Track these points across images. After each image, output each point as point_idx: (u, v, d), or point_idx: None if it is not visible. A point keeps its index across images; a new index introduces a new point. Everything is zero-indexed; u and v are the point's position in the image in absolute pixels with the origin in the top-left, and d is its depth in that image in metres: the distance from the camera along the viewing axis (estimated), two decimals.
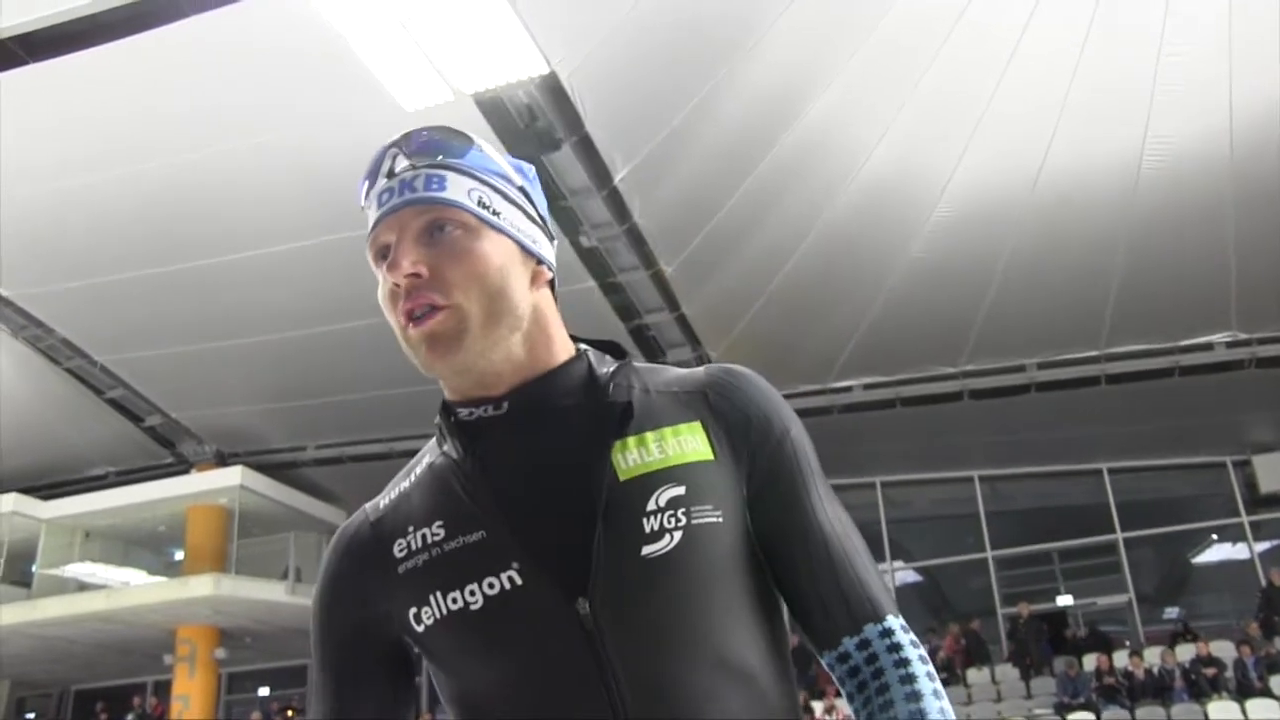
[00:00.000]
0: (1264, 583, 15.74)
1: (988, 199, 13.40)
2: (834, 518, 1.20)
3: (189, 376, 16.68)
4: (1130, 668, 14.31)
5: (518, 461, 1.17)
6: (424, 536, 1.17)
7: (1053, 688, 14.74)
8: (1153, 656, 14.60)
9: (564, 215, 13.13)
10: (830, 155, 12.88)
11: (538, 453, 1.17)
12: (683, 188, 12.86)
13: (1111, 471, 17.80)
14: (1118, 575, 17.60)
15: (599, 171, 12.55)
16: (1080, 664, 14.73)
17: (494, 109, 11.71)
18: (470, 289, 1.14)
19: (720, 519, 1.12)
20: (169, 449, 19.63)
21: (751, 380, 1.23)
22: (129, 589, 18.62)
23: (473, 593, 1.11)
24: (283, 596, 17.04)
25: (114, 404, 18.05)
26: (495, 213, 1.19)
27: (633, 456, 1.13)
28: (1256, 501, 17.25)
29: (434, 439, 1.28)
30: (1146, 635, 16.67)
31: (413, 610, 1.16)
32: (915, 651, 1.15)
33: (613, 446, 1.14)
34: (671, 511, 1.10)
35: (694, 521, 1.10)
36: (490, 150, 1.25)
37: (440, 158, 1.20)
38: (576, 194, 12.88)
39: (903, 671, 1.12)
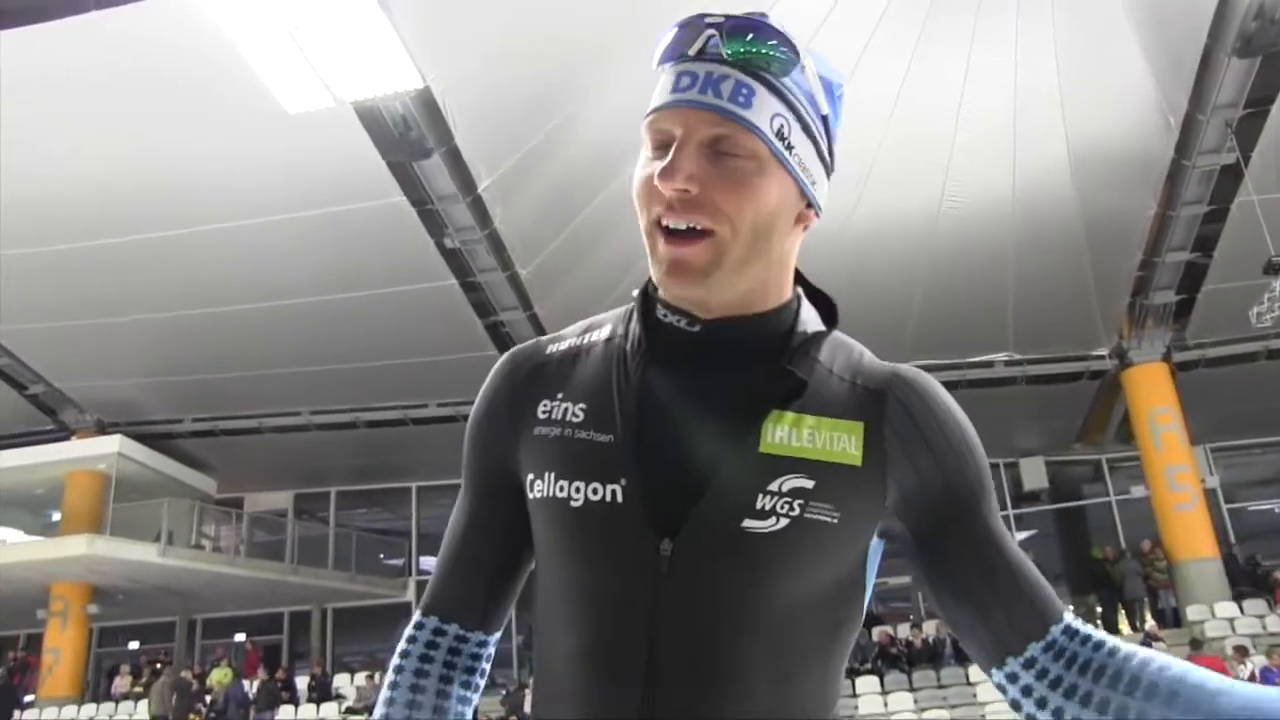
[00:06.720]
0: None
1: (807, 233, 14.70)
2: (1004, 530, 1.13)
3: (75, 350, 17.31)
4: (910, 638, 16.35)
5: (681, 386, 1.12)
6: (565, 411, 1.15)
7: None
8: (930, 629, 16.58)
9: (430, 218, 14.26)
10: None
11: (702, 387, 1.11)
12: (541, 199, 13.92)
13: None
14: (903, 560, 19.80)
15: (465, 180, 13.63)
16: (870, 634, 16.59)
17: (371, 117, 12.75)
18: (739, 223, 1.06)
19: (835, 521, 1.06)
20: (51, 416, 20.15)
21: (937, 395, 1.13)
22: (4, 546, 19.16)
23: (578, 490, 1.09)
24: (154, 557, 17.71)
25: None
26: (789, 146, 1.08)
27: (780, 434, 1.07)
28: (1021, 497, 20.83)
29: (628, 309, 1.21)
30: (926, 611, 18.77)
31: (530, 476, 1.15)
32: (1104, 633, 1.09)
33: (769, 415, 1.08)
34: (789, 499, 1.05)
35: (807, 515, 1.05)
36: (811, 66, 1.11)
37: (758, 66, 1.07)
38: (443, 199, 14.00)
39: (1112, 645, 1.07)
